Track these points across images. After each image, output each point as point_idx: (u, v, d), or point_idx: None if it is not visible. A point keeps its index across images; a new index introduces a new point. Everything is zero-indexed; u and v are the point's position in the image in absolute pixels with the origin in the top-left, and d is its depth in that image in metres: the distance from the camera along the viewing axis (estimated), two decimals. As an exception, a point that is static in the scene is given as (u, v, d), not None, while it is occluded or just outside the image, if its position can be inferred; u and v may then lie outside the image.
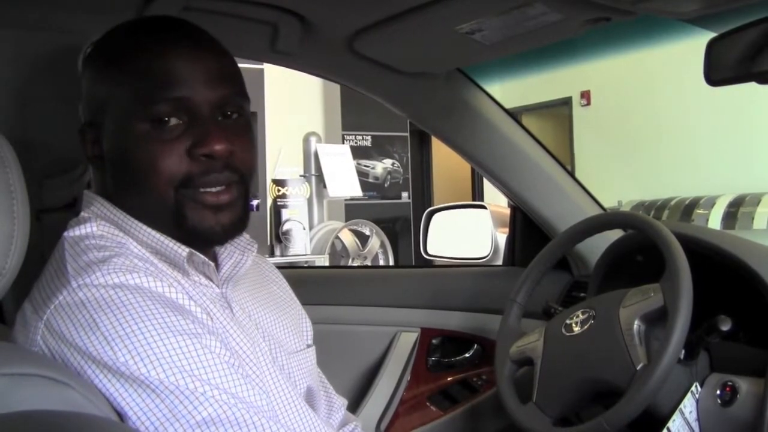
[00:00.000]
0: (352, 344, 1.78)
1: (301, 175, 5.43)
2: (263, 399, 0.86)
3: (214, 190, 0.93)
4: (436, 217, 2.30)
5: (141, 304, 0.83)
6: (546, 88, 9.35)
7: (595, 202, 1.74)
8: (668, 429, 1.19)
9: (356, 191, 5.80)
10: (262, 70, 6.00)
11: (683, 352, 1.20)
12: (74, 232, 0.92)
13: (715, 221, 7.03)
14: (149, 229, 0.94)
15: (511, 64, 8.65)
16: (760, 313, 1.27)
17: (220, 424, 0.80)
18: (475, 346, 1.81)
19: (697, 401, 1.23)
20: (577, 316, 1.33)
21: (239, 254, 1.02)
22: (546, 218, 1.73)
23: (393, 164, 8.10)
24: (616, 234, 1.56)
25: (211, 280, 0.98)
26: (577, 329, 1.31)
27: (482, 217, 2.25)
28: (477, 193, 9.71)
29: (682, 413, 1.21)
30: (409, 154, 8.30)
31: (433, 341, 1.80)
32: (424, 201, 9.46)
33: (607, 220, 1.55)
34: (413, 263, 7.37)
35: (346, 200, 6.81)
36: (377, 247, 5.62)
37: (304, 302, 1.20)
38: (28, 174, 0.79)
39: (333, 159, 5.63)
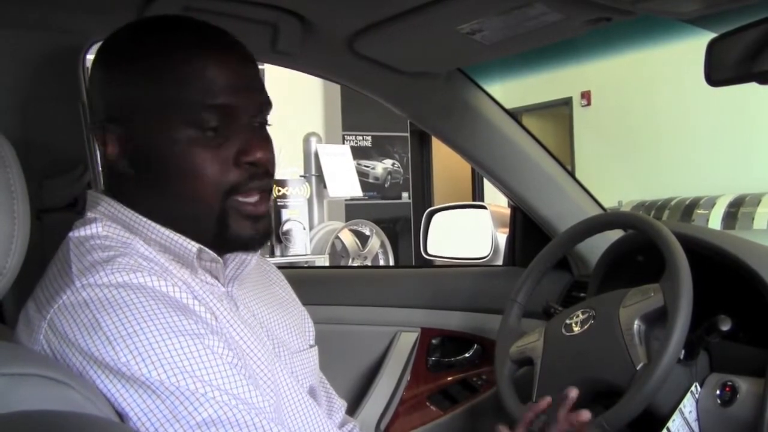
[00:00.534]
0: (352, 344, 1.78)
1: (301, 176, 5.42)
2: (266, 400, 0.86)
3: (253, 200, 0.95)
4: (437, 218, 2.31)
5: (144, 304, 0.83)
6: (546, 88, 9.35)
7: (595, 202, 1.74)
8: (668, 429, 1.19)
9: (356, 191, 5.80)
10: (262, 71, 5.99)
11: (683, 351, 1.20)
12: (79, 233, 0.92)
13: (715, 221, 7.03)
14: (158, 226, 0.93)
15: (512, 64, 8.65)
16: (760, 313, 1.27)
17: (221, 425, 0.80)
18: (475, 345, 1.81)
19: (697, 401, 1.23)
20: (577, 316, 1.33)
21: (244, 254, 1.02)
22: (546, 218, 1.73)
23: (393, 164, 8.11)
24: (616, 234, 1.56)
25: (217, 279, 0.98)
26: (577, 329, 1.31)
27: (482, 217, 2.25)
28: (477, 193, 9.71)
29: (682, 413, 1.21)
30: (409, 155, 8.30)
31: (433, 341, 1.81)
32: (424, 201, 9.47)
33: (608, 220, 1.55)
34: (413, 263, 7.37)
35: (346, 200, 6.81)
36: (377, 247, 5.62)
37: (305, 302, 1.20)
38: (28, 174, 0.79)
39: (333, 159, 5.62)
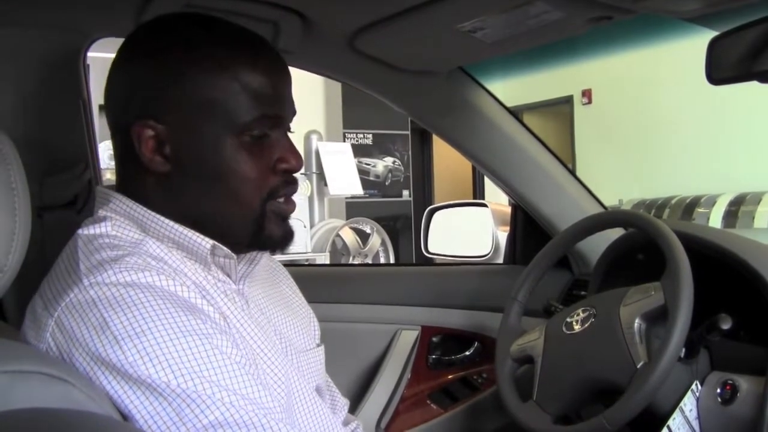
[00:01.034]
0: (352, 342, 1.78)
1: (302, 173, 5.42)
2: (274, 399, 0.86)
3: (284, 200, 0.99)
4: (437, 216, 2.30)
5: (152, 304, 0.83)
6: (547, 86, 9.35)
7: (596, 200, 1.74)
8: (668, 427, 1.19)
9: (357, 189, 5.80)
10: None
11: (684, 350, 1.20)
12: (89, 230, 0.92)
13: (716, 220, 7.03)
14: (172, 223, 0.93)
15: (513, 62, 8.65)
16: (761, 312, 1.27)
17: (228, 428, 0.79)
18: (476, 344, 1.81)
19: (698, 399, 1.23)
20: (578, 315, 1.33)
21: (254, 251, 1.02)
22: (547, 216, 1.73)
23: (394, 162, 8.11)
24: (616, 232, 1.57)
25: (229, 276, 0.98)
26: (577, 327, 1.31)
27: (483, 216, 2.25)
28: (478, 192, 9.72)
29: (683, 411, 1.21)
30: (410, 152, 8.30)
31: (434, 339, 1.81)
32: (424, 199, 9.47)
33: (608, 218, 1.55)
34: (414, 261, 7.37)
35: (346, 198, 6.82)
36: (378, 245, 5.62)
37: (306, 300, 1.21)
38: (29, 171, 0.79)
39: (334, 157, 5.63)
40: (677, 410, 1.20)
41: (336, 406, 1.20)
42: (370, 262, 5.55)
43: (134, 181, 0.96)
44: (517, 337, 1.44)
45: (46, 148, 1.29)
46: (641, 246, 1.45)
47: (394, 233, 7.31)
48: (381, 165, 8.02)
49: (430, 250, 2.24)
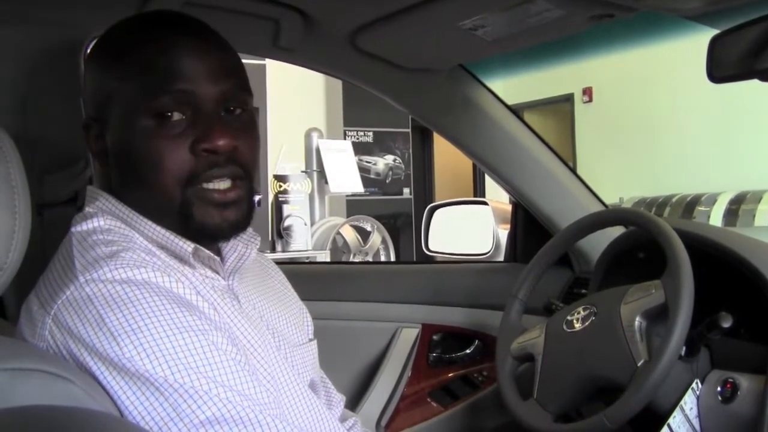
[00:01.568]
0: (353, 340, 1.78)
1: (302, 171, 5.42)
2: (270, 396, 0.86)
3: (220, 187, 0.93)
4: (438, 214, 2.30)
5: (148, 300, 0.83)
6: (548, 84, 9.35)
7: (596, 198, 1.74)
8: (669, 425, 1.19)
9: (358, 187, 5.79)
10: (264, 66, 6.00)
11: (684, 348, 1.20)
12: (81, 227, 0.92)
13: (716, 218, 7.03)
14: (154, 225, 0.94)
15: (514, 60, 8.64)
16: (761, 310, 1.27)
17: (224, 423, 0.80)
18: (476, 342, 1.81)
19: (698, 398, 1.23)
20: (579, 313, 1.33)
21: (243, 247, 1.02)
22: (547, 214, 1.73)
23: (394, 160, 8.10)
24: (617, 231, 1.56)
25: (218, 273, 0.98)
26: (578, 326, 1.31)
27: (484, 214, 2.25)
28: (478, 190, 9.71)
29: (683, 410, 1.21)
30: (410, 150, 8.30)
31: (434, 337, 1.81)
32: (425, 197, 9.46)
33: (609, 216, 1.55)
34: (414, 259, 7.37)
35: (347, 196, 6.82)
36: (378, 243, 5.62)
37: (305, 298, 1.20)
38: (29, 169, 0.79)
39: (334, 155, 5.62)
40: (678, 409, 1.20)
41: (332, 402, 1.19)
42: (370, 260, 5.55)
43: (102, 178, 1.00)
44: (518, 335, 1.44)
45: (46, 145, 1.29)
46: (642, 244, 1.45)
47: (395, 231, 7.30)
48: (382, 163, 8.02)
49: (431, 248, 2.24)
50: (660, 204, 7.62)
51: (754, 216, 6.82)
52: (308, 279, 1.80)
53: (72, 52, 1.33)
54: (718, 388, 1.23)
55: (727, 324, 1.18)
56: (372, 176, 7.86)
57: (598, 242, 1.59)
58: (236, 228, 0.97)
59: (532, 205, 1.74)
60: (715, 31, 1.13)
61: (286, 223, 4.81)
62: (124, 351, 0.79)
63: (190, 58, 0.92)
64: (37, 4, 1.24)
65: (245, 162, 0.96)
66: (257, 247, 1.04)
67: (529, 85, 9.43)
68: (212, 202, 0.93)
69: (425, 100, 1.67)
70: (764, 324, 1.28)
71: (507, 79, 9.24)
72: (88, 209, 0.96)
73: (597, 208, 1.70)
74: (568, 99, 9.31)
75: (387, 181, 8.05)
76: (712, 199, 7.23)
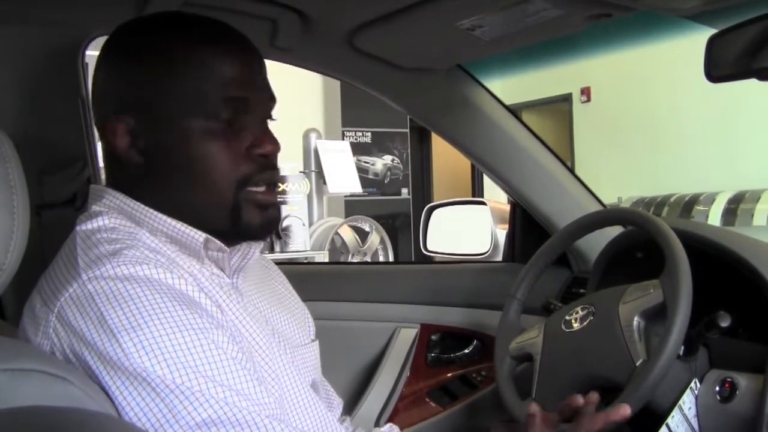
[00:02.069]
0: (351, 340, 1.78)
1: (301, 172, 5.42)
2: (272, 395, 0.86)
3: (263, 189, 0.98)
4: (436, 214, 2.30)
5: (149, 297, 0.83)
6: (546, 84, 9.35)
7: (594, 198, 1.74)
8: (667, 425, 1.19)
9: (356, 187, 5.80)
10: (261, 66, 5.99)
11: (682, 348, 1.20)
12: (86, 226, 0.92)
13: (714, 218, 7.04)
14: (165, 217, 0.94)
15: (512, 60, 8.65)
16: (760, 310, 1.27)
17: (221, 425, 0.79)
18: (475, 342, 1.81)
19: (696, 397, 1.23)
20: (577, 312, 1.33)
21: (246, 246, 1.02)
22: (546, 214, 1.73)
23: (393, 160, 8.11)
24: (615, 230, 1.57)
25: (223, 270, 0.98)
26: (576, 325, 1.31)
27: (482, 214, 2.25)
28: (477, 190, 9.72)
29: (681, 409, 1.21)
30: (409, 151, 8.31)
31: (433, 337, 1.81)
32: (423, 197, 9.47)
33: (607, 216, 1.55)
34: (413, 259, 7.37)
35: (345, 196, 6.82)
36: (377, 243, 5.62)
37: (304, 298, 1.20)
38: (28, 170, 0.79)
39: (333, 155, 5.63)
40: (676, 408, 1.20)
41: (332, 405, 1.20)
42: (369, 260, 5.55)
43: (120, 176, 0.98)
44: (516, 335, 1.44)
45: (44, 146, 1.29)
46: (640, 244, 1.45)
47: (393, 231, 7.31)
48: (380, 163, 8.02)
49: (429, 248, 2.24)
50: (658, 204, 7.63)
51: (752, 215, 6.83)
52: (307, 279, 1.80)
53: (72, 52, 1.33)
54: (717, 388, 1.23)
55: (725, 323, 1.18)
56: (370, 176, 7.86)
57: (597, 242, 1.59)
58: (273, 228, 1.02)
59: (531, 205, 1.74)
60: (712, 31, 1.13)
61: (285, 223, 4.81)
62: (123, 348, 0.79)
63: (244, 65, 0.96)
64: (37, 4, 1.24)
65: (277, 167, 1.01)
66: (260, 246, 1.04)
67: (527, 85, 9.44)
68: (258, 204, 0.97)
69: (423, 100, 1.67)
70: (763, 323, 1.28)
71: (505, 79, 9.24)
72: (94, 207, 0.96)
73: (595, 207, 1.71)
74: (566, 99, 9.32)
75: (385, 182, 8.05)
76: (711, 199, 7.24)
